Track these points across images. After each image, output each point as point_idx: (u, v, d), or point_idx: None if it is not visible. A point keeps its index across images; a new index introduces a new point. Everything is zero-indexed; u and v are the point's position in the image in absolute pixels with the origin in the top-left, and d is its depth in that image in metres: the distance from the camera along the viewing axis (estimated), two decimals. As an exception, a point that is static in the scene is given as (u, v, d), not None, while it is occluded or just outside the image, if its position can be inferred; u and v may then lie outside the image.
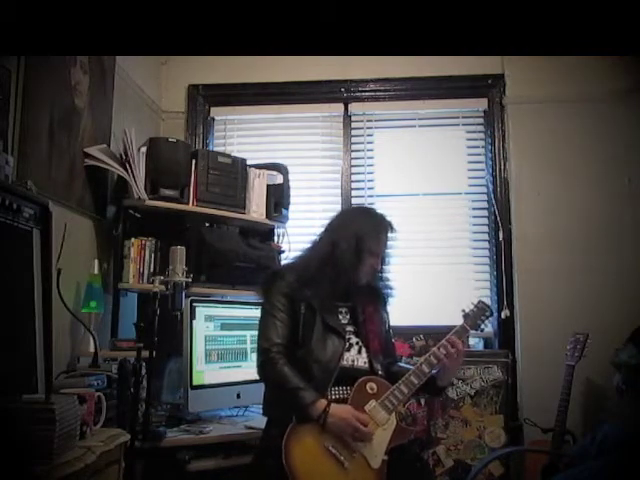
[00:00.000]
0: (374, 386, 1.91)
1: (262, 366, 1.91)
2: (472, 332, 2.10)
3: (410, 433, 1.99)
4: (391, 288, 2.16)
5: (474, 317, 2.04)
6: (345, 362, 1.95)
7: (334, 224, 2.11)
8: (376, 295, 2.14)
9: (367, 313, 2.06)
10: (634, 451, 1.53)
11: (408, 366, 2.05)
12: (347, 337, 1.99)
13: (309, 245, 2.13)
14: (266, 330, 1.95)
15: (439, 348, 1.94)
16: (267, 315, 1.97)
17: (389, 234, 2.08)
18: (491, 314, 2.08)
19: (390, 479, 1.83)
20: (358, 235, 2.00)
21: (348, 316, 2.06)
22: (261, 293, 2.05)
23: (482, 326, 2.06)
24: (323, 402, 1.81)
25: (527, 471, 2.74)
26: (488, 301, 3.13)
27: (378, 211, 2.17)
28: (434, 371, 1.95)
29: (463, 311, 2.05)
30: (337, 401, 1.86)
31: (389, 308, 2.18)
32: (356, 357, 1.99)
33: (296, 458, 1.76)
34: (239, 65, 3.34)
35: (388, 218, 2.10)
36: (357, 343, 2.01)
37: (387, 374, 2.01)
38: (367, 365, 1.99)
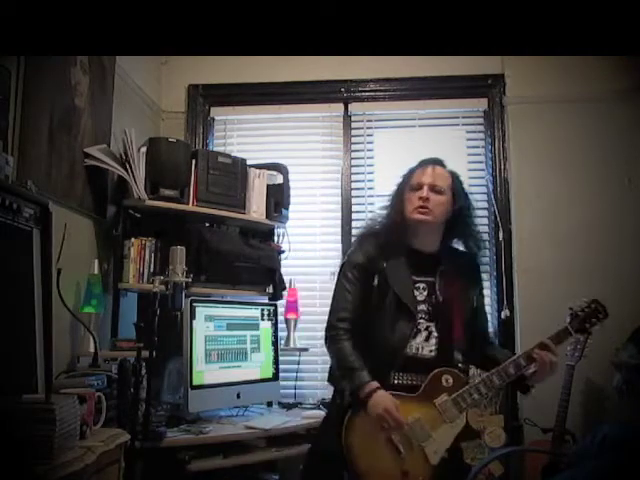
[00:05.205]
0: (450, 379, 1.81)
1: (326, 341, 1.93)
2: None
3: (477, 436, 1.85)
4: (479, 241, 1.95)
5: (583, 319, 1.81)
6: (409, 350, 1.85)
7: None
8: (463, 266, 1.96)
9: (450, 293, 1.89)
10: (634, 451, 1.53)
11: (504, 352, 1.93)
12: (418, 321, 1.88)
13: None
14: (336, 303, 1.95)
15: (533, 350, 1.81)
16: (339, 287, 1.96)
17: (428, 166, 1.94)
18: (605, 316, 1.83)
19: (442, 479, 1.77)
20: (398, 183, 2.00)
21: (425, 293, 1.91)
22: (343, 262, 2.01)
23: (590, 330, 1.82)
24: (372, 385, 1.78)
25: (527, 471, 2.73)
26: (488, 301, 3.14)
27: None
28: (521, 373, 1.83)
29: (570, 309, 1.82)
30: (401, 387, 1.82)
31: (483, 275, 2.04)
32: (422, 344, 1.87)
33: (355, 437, 1.77)
34: (239, 65, 3.34)
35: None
36: (426, 328, 1.88)
37: (483, 359, 1.93)
38: (434, 354, 1.86)
